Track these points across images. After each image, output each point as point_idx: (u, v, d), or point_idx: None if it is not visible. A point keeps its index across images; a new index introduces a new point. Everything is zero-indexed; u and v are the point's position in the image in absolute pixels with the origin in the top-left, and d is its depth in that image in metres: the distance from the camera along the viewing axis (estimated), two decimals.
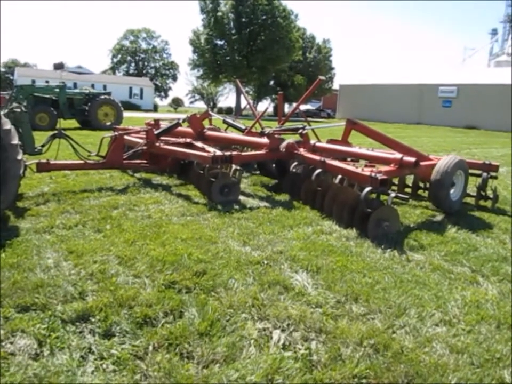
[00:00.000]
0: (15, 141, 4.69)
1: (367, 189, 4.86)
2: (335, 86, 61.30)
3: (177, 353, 2.55)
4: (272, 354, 2.59)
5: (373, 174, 5.04)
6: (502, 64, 56.52)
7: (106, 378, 2.33)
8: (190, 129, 8.47)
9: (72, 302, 3.05)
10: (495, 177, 6.70)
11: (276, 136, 7.25)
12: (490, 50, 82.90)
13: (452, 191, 6.04)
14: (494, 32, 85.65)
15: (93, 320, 2.84)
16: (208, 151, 6.50)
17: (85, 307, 2.96)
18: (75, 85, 42.76)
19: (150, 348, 2.59)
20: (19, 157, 4.77)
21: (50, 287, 3.22)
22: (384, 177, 5.07)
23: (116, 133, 7.28)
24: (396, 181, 6.94)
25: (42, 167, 6.30)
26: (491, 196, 6.42)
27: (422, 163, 5.89)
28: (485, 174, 6.50)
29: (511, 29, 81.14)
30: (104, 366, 2.42)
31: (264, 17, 48.02)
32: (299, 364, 2.51)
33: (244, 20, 48.44)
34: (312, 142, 7.08)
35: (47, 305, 2.98)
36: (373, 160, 6.36)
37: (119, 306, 3.00)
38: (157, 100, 70.01)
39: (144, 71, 74.58)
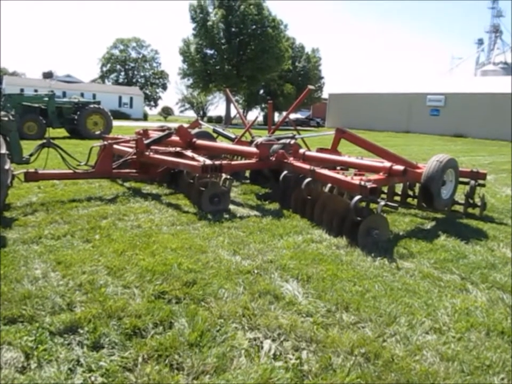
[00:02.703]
0: (3, 150, 4.66)
1: (357, 198, 4.88)
2: (325, 95, 61.80)
3: (167, 364, 2.53)
4: (263, 364, 2.57)
5: (363, 183, 5.07)
6: (488, 74, 57.51)
7: None
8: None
9: (60, 313, 3.01)
10: (483, 185, 6.77)
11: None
12: (476, 60, 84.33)
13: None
14: (480, 42, 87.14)
15: (82, 331, 2.80)
16: (198, 160, 6.49)
17: (73, 318, 2.92)
18: (64, 94, 42.44)
19: (140, 359, 2.56)
20: (6, 166, 4.74)
21: (38, 298, 3.18)
22: (374, 185, 5.10)
23: (105, 142, 7.24)
24: (385, 189, 6.99)
25: (31, 177, 6.23)
26: (479, 204, 6.49)
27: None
28: (473, 182, 6.57)
29: (496, 39, 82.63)
30: (93, 378, 2.39)
31: (253, 27, 48.34)
32: (290, 374, 2.49)
33: (233, 29, 48.70)
34: (301, 150, 7.11)
35: (34, 317, 2.93)
36: (362, 169, 6.40)
37: (108, 318, 2.97)
38: (147, 109, 69.97)
39: (134, 80, 74.52)
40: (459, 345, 2.87)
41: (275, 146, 7.49)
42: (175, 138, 8.29)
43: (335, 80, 61.63)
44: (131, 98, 58.97)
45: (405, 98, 49.10)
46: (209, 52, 50.51)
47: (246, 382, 2.40)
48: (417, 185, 6.56)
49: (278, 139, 8.32)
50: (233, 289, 3.53)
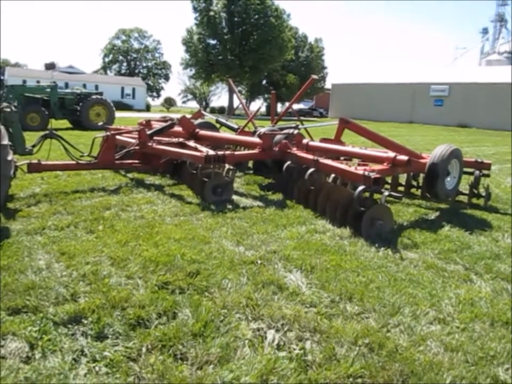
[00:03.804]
0: (5, 141, 4.64)
1: (361, 188, 4.86)
2: (328, 85, 61.50)
3: (170, 354, 2.53)
4: (267, 354, 2.57)
5: (366, 173, 5.04)
6: (492, 63, 57.05)
7: (99, 381, 2.30)
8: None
9: (64, 304, 3.01)
10: (488, 175, 6.74)
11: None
12: (481, 49, 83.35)
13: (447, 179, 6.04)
14: (485, 31, 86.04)
15: (85, 322, 2.80)
16: (201, 151, 6.47)
17: (77, 309, 2.92)
18: (66, 85, 42.44)
19: (143, 349, 2.56)
20: (9, 158, 4.73)
21: (41, 289, 3.18)
22: (378, 176, 5.07)
23: (108, 133, 7.22)
24: (389, 179, 6.96)
25: (33, 168, 6.23)
26: (483, 194, 6.45)
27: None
28: (477, 172, 6.53)
29: (501, 28, 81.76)
30: (97, 368, 2.39)
31: (256, 16, 48.05)
32: (294, 364, 2.49)
33: (236, 19, 48.41)
34: (305, 141, 7.08)
35: (38, 307, 2.94)
36: (366, 159, 6.36)
37: (112, 308, 2.97)
38: (149, 99, 69.81)
39: (136, 71, 74.19)
40: (463, 335, 2.87)
41: (278, 137, 7.45)
42: (177, 129, 8.25)
43: (338, 70, 61.10)
44: (133, 89, 58.81)
45: (409, 88, 48.80)
46: (211, 42, 50.29)
47: (250, 372, 2.40)
48: (421, 175, 6.53)
49: (281, 129, 8.27)
50: (237, 279, 3.52)
